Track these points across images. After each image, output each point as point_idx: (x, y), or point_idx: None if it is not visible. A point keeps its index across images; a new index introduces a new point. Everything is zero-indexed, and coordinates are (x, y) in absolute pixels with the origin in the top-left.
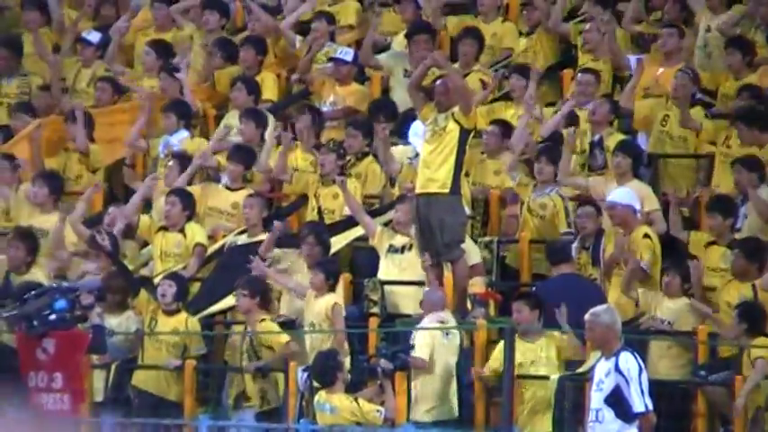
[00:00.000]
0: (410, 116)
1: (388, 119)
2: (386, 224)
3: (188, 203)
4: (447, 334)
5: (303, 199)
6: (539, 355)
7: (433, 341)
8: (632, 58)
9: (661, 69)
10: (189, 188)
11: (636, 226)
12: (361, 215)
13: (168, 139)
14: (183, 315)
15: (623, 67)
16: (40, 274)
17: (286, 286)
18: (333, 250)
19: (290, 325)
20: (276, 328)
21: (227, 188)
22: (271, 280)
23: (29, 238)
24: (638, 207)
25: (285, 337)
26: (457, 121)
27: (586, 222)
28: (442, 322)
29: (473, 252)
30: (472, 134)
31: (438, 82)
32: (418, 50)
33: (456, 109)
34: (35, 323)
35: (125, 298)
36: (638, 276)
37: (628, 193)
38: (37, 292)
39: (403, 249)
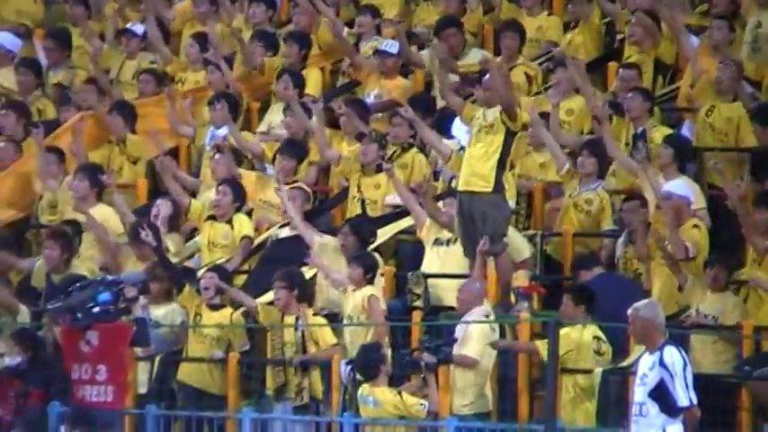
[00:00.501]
0: (452, 112)
1: (427, 114)
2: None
3: (239, 194)
4: (492, 328)
5: (345, 192)
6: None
7: (486, 339)
8: (694, 39)
9: (710, 62)
10: (244, 173)
11: (687, 218)
12: (411, 204)
13: (215, 131)
14: (228, 309)
15: (665, 54)
16: (81, 268)
17: (331, 277)
18: (378, 243)
19: (331, 318)
20: (326, 323)
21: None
22: (318, 270)
23: (62, 237)
24: (693, 199)
25: (332, 338)
26: (504, 122)
27: (632, 216)
28: (486, 316)
29: (523, 247)
30: (518, 134)
31: (485, 77)
32: (448, 44)
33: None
34: (79, 315)
35: (170, 289)
36: (681, 255)
37: (681, 185)
38: (81, 284)
39: (448, 242)
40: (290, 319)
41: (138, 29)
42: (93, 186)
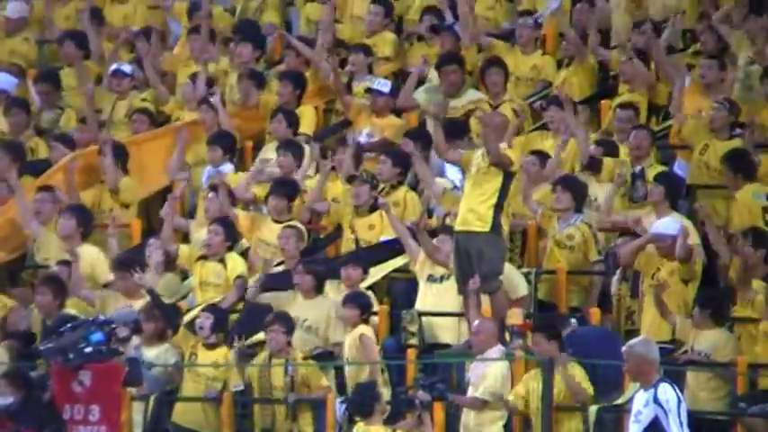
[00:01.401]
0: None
1: (424, 149)
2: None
3: (230, 233)
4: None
5: (339, 230)
6: (561, 386)
7: (503, 379)
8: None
9: (702, 101)
10: (239, 213)
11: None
12: (406, 239)
13: (212, 171)
14: (224, 349)
15: (657, 94)
16: (75, 308)
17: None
18: (370, 282)
19: (326, 357)
20: (316, 366)
21: (274, 221)
22: None
23: (53, 282)
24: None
25: (325, 381)
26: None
27: (627, 254)
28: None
29: (521, 284)
30: (516, 176)
31: (483, 117)
32: (447, 81)
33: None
34: (71, 356)
35: (164, 330)
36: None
37: (672, 222)
38: (73, 324)
39: (441, 279)
40: (278, 362)
41: (127, 68)
42: (79, 226)
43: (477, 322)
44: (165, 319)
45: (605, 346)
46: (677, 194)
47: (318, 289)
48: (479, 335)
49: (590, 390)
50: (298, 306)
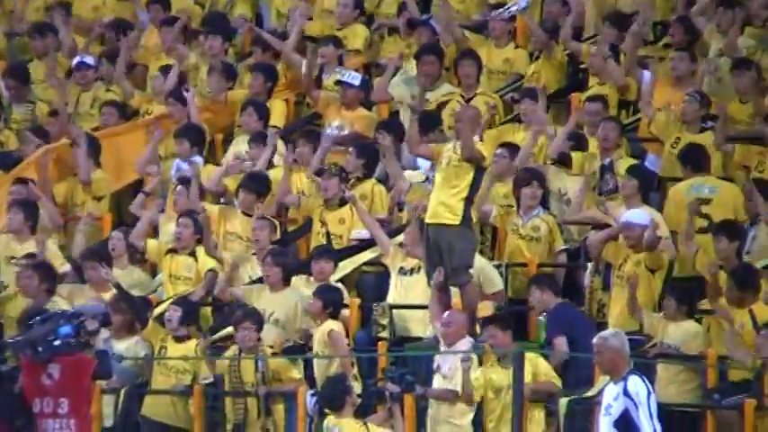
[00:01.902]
0: None
1: (396, 140)
2: (399, 244)
3: (200, 226)
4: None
5: (310, 223)
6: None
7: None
8: (645, 73)
9: (672, 93)
10: (208, 207)
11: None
12: (376, 231)
13: (180, 164)
14: (193, 342)
15: (628, 90)
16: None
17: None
18: (341, 275)
19: (298, 350)
20: (286, 361)
21: (245, 213)
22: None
23: (41, 267)
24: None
25: (296, 374)
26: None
27: (595, 244)
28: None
29: (497, 279)
30: (487, 170)
31: (458, 108)
32: (424, 72)
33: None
34: (40, 349)
35: (132, 322)
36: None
37: (642, 213)
38: (42, 317)
39: (412, 271)
40: (248, 358)
41: (90, 60)
42: (26, 220)
43: (447, 314)
44: (132, 311)
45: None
46: (649, 188)
47: (286, 281)
48: (450, 326)
49: (558, 383)
50: (265, 299)
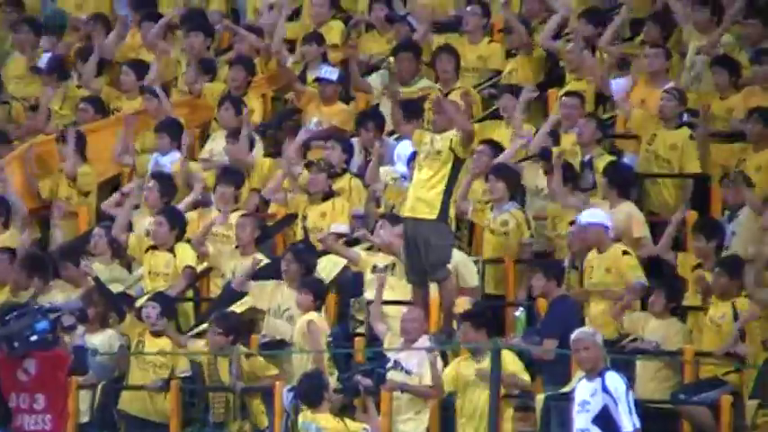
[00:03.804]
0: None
1: (377, 129)
2: (369, 248)
3: (176, 223)
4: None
5: (291, 217)
6: (485, 371)
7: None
8: (613, 83)
9: (648, 90)
10: (187, 215)
11: (610, 244)
12: (344, 254)
13: (158, 158)
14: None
15: (606, 89)
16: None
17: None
18: (333, 276)
19: (275, 346)
20: (262, 360)
21: (219, 210)
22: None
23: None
24: (608, 224)
25: (273, 370)
26: (452, 150)
27: (575, 241)
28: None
29: (474, 275)
30: (465, 162)
31: (434, 102)
32: (402, 68)
33: (454, 136)
34: (16, 344)
35: (105, 315)
36: (638, 296)
37: (598, 212)
38: (18, 312)
39: (386, 269)
40: (224, 362)
41: (42, 62)
42: None
43: (406, 310)
44: (105, 304)
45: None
46: (627, 184)
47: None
48: (410, 323)
49: (527, 378)
50: (282, 295)
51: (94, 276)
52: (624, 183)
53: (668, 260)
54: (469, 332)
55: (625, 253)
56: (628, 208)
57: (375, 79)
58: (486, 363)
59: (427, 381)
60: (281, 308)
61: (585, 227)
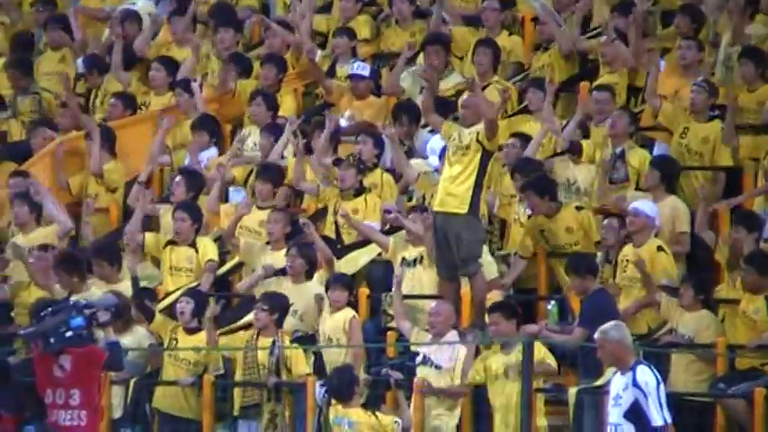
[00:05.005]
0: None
1: (411, 122)
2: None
3: (197, 217)
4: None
5: (322, 213)
6: (518, 366)
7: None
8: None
9: (680, 82)
10: (222, 207)
11: (649, 238)
12: (372, 235)
13: (201, 155)
14: (204, 333)
15: (638, 75)
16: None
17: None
18: (358, 266)
19: (307, 340)
20: (301, 353)
21: (258, 207)
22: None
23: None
24: (657, 222)
25: (306, 367)
26: (480, 143)
27: (609, 235)
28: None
29: (491, 266)
30: (494, 155)
31: (463, 97)
32: (431, 61)
33: (480, 129)
34: (51, 340)
35: (128, 318)
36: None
37: (652, 206)
38: (53, 309)
39: (415, 262)
40: (265, 342)
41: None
42: (32, 212)
43: (434, 304)
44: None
45: None
46: (673, 177)
47: (309, 274)
48: (439, 316)
49: (554, 363)
50: (286, 290)
51: (133, 276)
52: (673, 176)
53: (704, 240)
54: (500, 322)
55: (660, 249)
56: (674, 202)
57: (405, 78)
58: (514, 355)
59: (458, 377)
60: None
61: (637, 213)
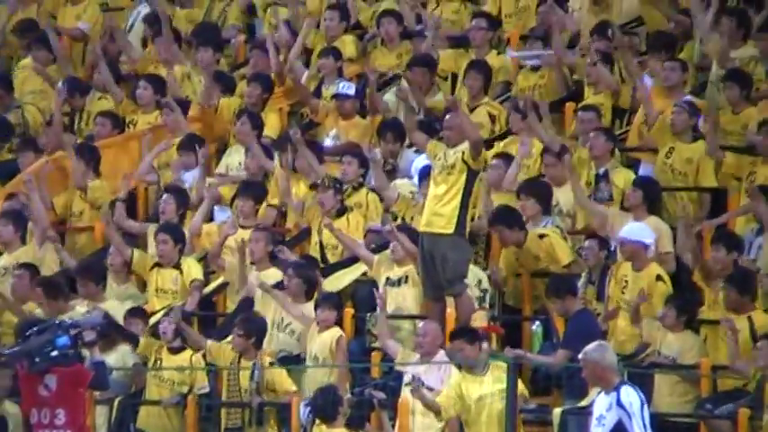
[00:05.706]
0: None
1: (396, 139)
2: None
3: (179, 238)
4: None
5: (306, 232)
6: (492, 388)
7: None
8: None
9: (665, 103)
10: (205, 226)
11: (647, 262)
12: (358, 249)
13: (183, 174)
14: (188, 352)
15: (620, 96)
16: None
17: (291, 314)
18: (341, 286)
19: (291, 360)
20: (284, 372)
21: (240, 226)
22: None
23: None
24: (649, 242)
25: (291, 385)
26: (465, 162)
27: (590, 256)
28: None
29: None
30: (480, 175)
31: (447, 117)
32: (416, 82)
33: (466, 148)
34: (37, 360)
35: (112, 334)
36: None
37: (640, 228)
38: (39, 328)
39: (399, 282)
40: (247, 364)
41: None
42: (16, 231)
43: (422, 324)
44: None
45: None
46: (655, 198)
47: (308, 294)
48: (427, 336)
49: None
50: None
51: (104, 312)
52: (655, 197)
53: (685, 263)
54: (464, 347)
55: (659, 278)
56: (656, 223)
57: (390, 97)
58: (486, 378)
59: (441, 398)
60: (284, 321)
61: (623, 242)
